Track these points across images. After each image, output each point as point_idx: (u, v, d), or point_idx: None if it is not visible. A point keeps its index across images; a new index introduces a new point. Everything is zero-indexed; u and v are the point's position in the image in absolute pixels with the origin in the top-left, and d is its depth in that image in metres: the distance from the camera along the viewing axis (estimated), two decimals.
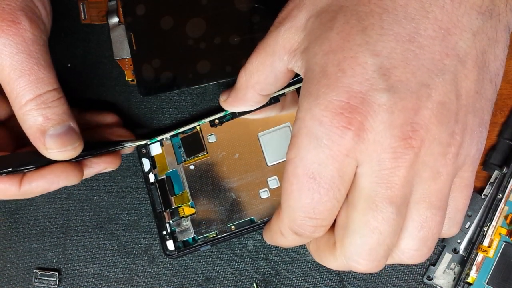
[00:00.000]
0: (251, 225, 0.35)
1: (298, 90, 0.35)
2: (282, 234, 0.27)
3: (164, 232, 0.36)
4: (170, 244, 0.36)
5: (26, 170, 0.31)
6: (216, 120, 0.36)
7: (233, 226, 0.35)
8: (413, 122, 0.23)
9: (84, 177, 0.33)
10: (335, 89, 0.23)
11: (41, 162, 0.31)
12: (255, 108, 0.33)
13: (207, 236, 0.36)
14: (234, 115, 0.36)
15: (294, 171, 0.24)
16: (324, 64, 0.23)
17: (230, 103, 0.32)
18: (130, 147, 0.36)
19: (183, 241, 0.36)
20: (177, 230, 0.36)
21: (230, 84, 0.37)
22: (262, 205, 0.35)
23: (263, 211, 0.35)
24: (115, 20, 0.37)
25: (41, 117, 0.29)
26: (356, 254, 0.25)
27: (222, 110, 0.35)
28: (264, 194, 0.35)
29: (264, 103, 0.32)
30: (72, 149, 0.30)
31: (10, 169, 0.31)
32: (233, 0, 0.35)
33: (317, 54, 0.24)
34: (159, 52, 0.35)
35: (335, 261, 0.26)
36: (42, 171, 0.31)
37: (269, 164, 0.35)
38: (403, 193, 0.24)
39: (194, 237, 0.36)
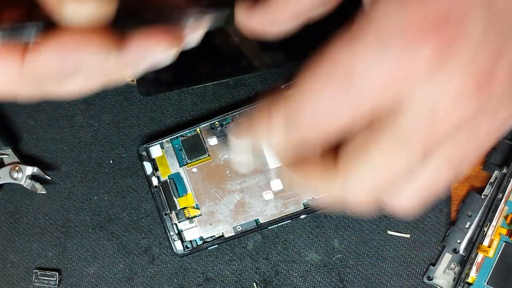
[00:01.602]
0: (256, 226, 0.36)
1: None
2: (268, 123, 0.21)
3: (172, 233, 0.37)
4: (178, 244, 0.37)
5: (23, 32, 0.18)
6: (217, 123, 0.36)
7: (239, 227, 0.36)
8: (493, 72, 0.19)
9: (126, 66, 0.20)
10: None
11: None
12: (276, 33, 0.24)
13: (213, 236, 0.36)
14: (234, 118, 0.36)
15: (333, 64, 0.19)
16: None
17: (253, 21, 0.23)
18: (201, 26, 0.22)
19: (191, 241, 0.37)
20: (184, 230, 0.37)
21: (229, 85, 0.37)
22: (266, 206, 0.36)
23: (267, 212, 0.36)
24: None
25: None
26: (361, 185, 0.21)
27: (222, 112, 0.35)
28: (268, 195, 0.36)
29: (294, 27, 0.24)
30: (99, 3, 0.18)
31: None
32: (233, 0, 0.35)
33: None
34: None
35: (327, 183, 0.22)
36: (52, 36, 0.18)
37: (271, 167, 0.36)
38: (440, 143, 0.20)
39: (201, 237, 0.36)
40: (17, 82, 0.19)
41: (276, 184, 0.36)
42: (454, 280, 0.36)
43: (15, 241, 0.39)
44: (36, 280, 0.39)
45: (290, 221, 0.36)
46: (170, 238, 0.36)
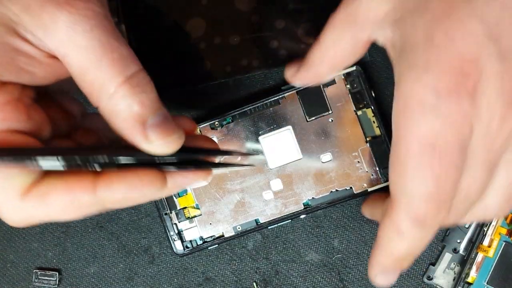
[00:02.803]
0: (256, 226, 0.36)
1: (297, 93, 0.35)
2: (399, 234, 0.24)
3: (172, 233, 0.37)
4: (178, 244, 0.36)
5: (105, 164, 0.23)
6: (216, 123, 0.36)
7: (239, 227, 0.36)
8: None
9: (168, 192, 0.25)
10: (447, 57, 0.22)
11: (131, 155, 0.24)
12: (324, 83, 0.32)
13: (213, 235, 0.36)
14: (234, 118, 0.36)
15: (407, 149, 0.23)
16: (429, 33, 0.23)
17: (301, 79, 0.30)
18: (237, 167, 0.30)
19: (190, 241, 0.37)
20: (183, 230, 0.37)
21: (229, 85, 0.37)
22: (266, 206, 0.36)
23: (267, 212, 0.36)
24: (114, 20, 0.37)
25: (137, 104, 0.23)
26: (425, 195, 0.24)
27: (222, 112, 0.35)
28: (268, 195, 0.36)
29: (334, 76, 0.31)
30: (176, 138, 0.24)
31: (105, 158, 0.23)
32: (233, 0, 0.35)
33: (417, 23, 0.23)
34: (159, 52, 0.35)
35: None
36: (122, 172, 0.24)
37: (271, 167, 0.36)
38: (500, 154, 0.24)
39: (201, 236, 0.36)
40: (85, 208, 0.24)
41: (276, 184, 0.36)
42: (454, 280, 0.36)
43: (15, 241, 0.39)
44: (36, 280, 0.39)
45: (290, 221, 0.36)
46: (170, 238, 0.36)
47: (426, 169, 0.23)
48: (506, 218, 0.35)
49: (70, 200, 0.23)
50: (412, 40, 0.24)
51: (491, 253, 0.35)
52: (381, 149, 0.34)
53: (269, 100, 0.35)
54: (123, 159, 0.24)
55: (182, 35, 0.35)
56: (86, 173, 0.23)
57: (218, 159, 0.28)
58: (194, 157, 0.27)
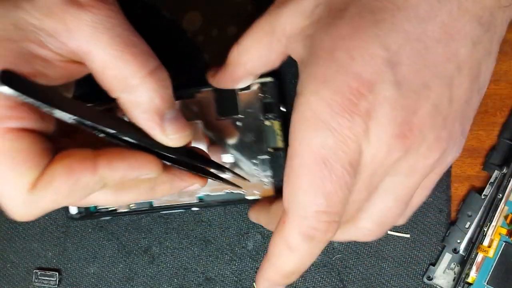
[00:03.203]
0: (149, 208, 0.36)
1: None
2: (289, 249, 0.25)
3: None
4: (72, 208, 0.36)
5: (109, 134, 0.25)
6: None
7: (133, 205, 0.36)
8: (411, 122, 0.23)
9: (163, 193, 0.28)
10: (345, 74, 0.23)
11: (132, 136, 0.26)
12: (239, 87, 0.32)
13: (107, 208, 0.36)
14: None
15: (301, 161, 0.23)
16: (332, 49, 0.23)
17: (218, 79, 0.31)
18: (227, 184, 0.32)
19: (85, 208, 0.37)
20: None
21: None
22: None
23: (162, 198, 0.36)
24: None
25: (158, 98, 0.25)
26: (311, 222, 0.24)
27: None
28: None
29: (250, 83, 0.31)
30: (188, 135, 0.27)
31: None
32: None
33: (324, 40, 0.24)
34: (157, 49, 0.35)
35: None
36: (123, 151, 0.26)
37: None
38: (379, 182, 0.25)
39: (96, 206, 0.36)
40: (90, 187, 0.25)
41: None
42: (454, 280, 0.36)
43: (15, 241, 0.39)
44: (36, 280, 0.39)
45: (183, 210, 0.37)
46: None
47: (317, 184, 0.23)
48: (506, 218, 0.35)
49: (74, 182, 0.24)
50: (316, 54, 0.24)
51: (491, 253, 0.35)
52: (279, 162, 0.35)
53: (187, 92, 0.35)
54: (127, 138, 0.25)
55: (179, 30, 0.35)
56: (86, 153, 0.25)
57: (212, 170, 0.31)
58: (193, 162, 0.29)
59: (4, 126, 0.23)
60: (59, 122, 0.25)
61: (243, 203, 0.37)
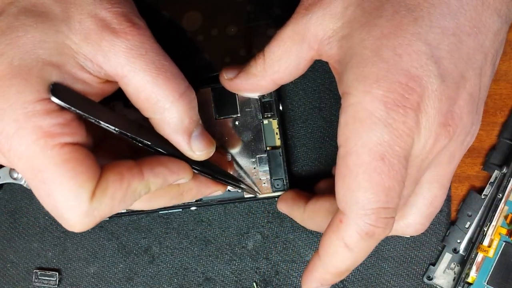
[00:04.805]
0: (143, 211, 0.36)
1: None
2: (347, 247, 0.25)
3: None
4: None
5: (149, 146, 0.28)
6: None
7: None
8: (453, 111, 0.25)
9: (194, 197, 0.32)
10: (395, 72, 0.23)
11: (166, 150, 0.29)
12: (259, 95, 0.33)
13: None
14: None
15: (357, 160, 0.24)
16: (377, 48, 0.24)
17: (237, 86, 0.31)
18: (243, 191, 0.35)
19: None
20: None
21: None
22: None
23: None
24: None
25: (187, 119, 0.27)
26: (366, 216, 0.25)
27: None
28: None
29: (272, 90, 0.31)
30: (211, 151, 0.29)
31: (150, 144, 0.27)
32: None
33: (366, 39, 0.24)
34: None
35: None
36: (162, 159, 0.28)
37: None
38: (423, 174, 0.26)
39: None
40: (138, 192, 0.27)
41: None
42: (454, 280, 0.36)
43: (15, 241, 0.39)
44: (36, 280, 0.39)
45: (181, 210, 0.37)
46: None
47: (377, 181, 0.24)
48: (506, 218, 0.35)
49: (125, 188, 0.26)
50: (360, 54, 0.25)
51: (491, 253, 0.35)
52: (277, 160, 0.35)
53: None
54: (160, 149, 0.28)
55: (179, 29, 0.35)
56: (131, 162, 0.27)
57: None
58: (214, 174, 0.31)
59: (60, 142, 0.24)
60: (92, 133, 0.27)
61: (241, 202, 0.37)
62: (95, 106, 0.26)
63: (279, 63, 0.28)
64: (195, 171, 0.30)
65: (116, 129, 0.26)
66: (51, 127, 0.24)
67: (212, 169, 0.31)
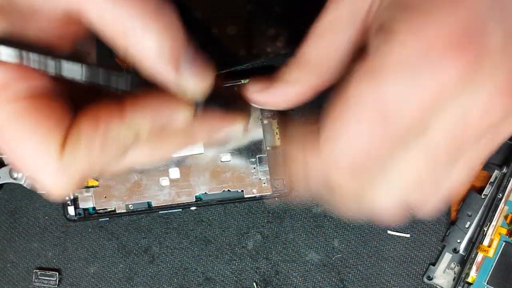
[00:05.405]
0: (147, 208, 0.37)
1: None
2: (305, 178, 0.22)
3: (67, 198, 0.37)
4: (71, 210, 0.37)
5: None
6: None
7: (131, 205, 0.37)
8: None
9: (208, 136, 0.24)
10: (458, 8, 0.18)
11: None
12: (289, 108, 0.26)
13: (106, 209, 0.37)
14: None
15: (362, 100, 0.19)
16: None
17: (268, 99, 0.25)
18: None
19: (84, 209, 0.37)
20: (79, 197, 0.37)
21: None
22: (161, 191, 0.37)
23: (160, 197, 0.37)
24: None
25: (168, 41, 0.21)
26: (390, 193, 0.21)
27: None
28: (164, 182, 0.37)
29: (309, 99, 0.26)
30: (208, 77, 0.22)
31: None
32: None
33: None
34: None
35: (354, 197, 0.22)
36: (149, 97, 0.21)
37: (173, 155, 0.36)
38: (467, 148, 0.21)
39: (94, 207, 0.37)
40: (122, 138, 0.21)
41: (174, 173, 0.37)
42: (454, 280, 0.36)
43: (15, 241, 0.39)
44: (36, 280, 0.39)
45: (180, 210, 0.37)
46: (64, 202, 0.37)
47: (362, 135, 0.19)
48: (506, 218, 0.35)
49: (103, 134, 0.20)
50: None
51: (491, 253, 0.35)
52: (276, 161, 0.35)
53: None
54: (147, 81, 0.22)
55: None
56: (110, 103, 0.21)
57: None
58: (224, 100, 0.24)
59: (14, 93, 0.20)
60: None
61: (241, 202, 0.37)
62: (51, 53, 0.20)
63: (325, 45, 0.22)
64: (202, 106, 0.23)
65: (83, 78, 0.20)
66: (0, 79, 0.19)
67: (219, 101, 0.24)
